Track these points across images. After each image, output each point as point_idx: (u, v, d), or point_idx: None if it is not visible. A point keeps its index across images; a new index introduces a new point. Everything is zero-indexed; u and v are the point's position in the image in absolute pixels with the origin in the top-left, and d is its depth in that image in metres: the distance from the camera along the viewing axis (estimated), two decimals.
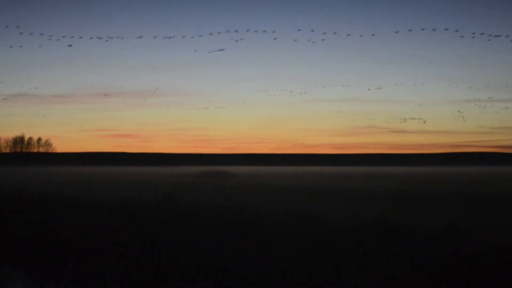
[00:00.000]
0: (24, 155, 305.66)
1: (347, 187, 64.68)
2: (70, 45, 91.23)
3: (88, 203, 42.36)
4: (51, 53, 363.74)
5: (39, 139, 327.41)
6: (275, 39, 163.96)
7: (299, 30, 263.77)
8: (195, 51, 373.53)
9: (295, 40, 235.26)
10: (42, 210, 39.44)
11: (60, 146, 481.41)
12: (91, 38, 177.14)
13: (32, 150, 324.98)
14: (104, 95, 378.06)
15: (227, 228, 28.29)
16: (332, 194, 51.96)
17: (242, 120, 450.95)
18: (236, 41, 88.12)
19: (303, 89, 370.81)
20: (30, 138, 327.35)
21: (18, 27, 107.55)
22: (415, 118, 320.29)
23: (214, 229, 28.25)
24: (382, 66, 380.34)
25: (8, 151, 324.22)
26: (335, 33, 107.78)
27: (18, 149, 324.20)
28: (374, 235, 24.39)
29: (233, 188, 62.90)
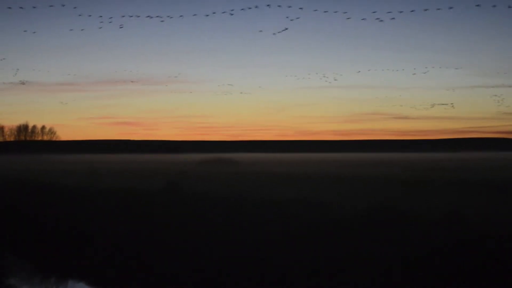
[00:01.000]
0: (28, 144, 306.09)
1: (351, 173, 64.53)
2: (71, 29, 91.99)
3: (91, 191, 42.35)
4: (54, 40, 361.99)
5: (43, 127, 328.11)
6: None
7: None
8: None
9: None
10: (45, 199, 39.46)
11: (64, 134, 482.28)
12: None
13: (36, 138, 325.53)
14: (108, 82, 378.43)
15: (230, 216, 28.24)
16: (336, 181, 51.84)
17: (245, 107, 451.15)
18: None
19: (306, 75, 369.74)
20: (34, 126, 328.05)
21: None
22: (443, 104, 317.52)
23: (217, 217, 28.21)
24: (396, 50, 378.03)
25: (12, 139, 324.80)
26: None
27: (22, 138, 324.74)
28: (378, 222, 24.32)
29: (236, 175, 62.83)
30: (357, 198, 34.81)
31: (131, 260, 23.04)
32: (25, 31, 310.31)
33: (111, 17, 65.14)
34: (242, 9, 60.00)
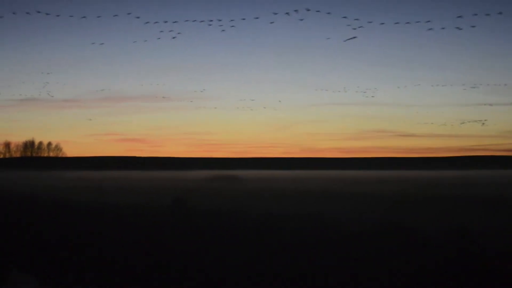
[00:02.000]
0: (34, 160, 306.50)
1: (356, 191, 64.57)
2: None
3: (98, 207, 42.50)
4: (61, 57, 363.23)
5: (49, 144, 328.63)
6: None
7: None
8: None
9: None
10: (51, 215, 39.62)
11: (70, 150, 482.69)
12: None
13: (42, 155, 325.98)
14: (113, 99, 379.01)
15: (237, 232, 28.35)
16: (341, 198, 51.90)
17: (250, 124, 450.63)
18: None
19: (311, 93, 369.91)
20: (40, 143, 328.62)
21: None
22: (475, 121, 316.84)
23: (224, 233, 28.32)
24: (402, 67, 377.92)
25: (18, 155, 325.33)
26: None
27: (29, 154, 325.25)
28: (383, 238, 24.43)
29: (242, 192, 62.92)
30: (363, 214, 34.91)
31: (138, 281, 23.15)
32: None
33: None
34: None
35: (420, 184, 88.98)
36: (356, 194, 56.87)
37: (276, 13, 56.37)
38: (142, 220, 34.36)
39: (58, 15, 63.86)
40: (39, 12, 62.75)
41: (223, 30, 62.27)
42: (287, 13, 53.81)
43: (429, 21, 56.40)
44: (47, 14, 61.27)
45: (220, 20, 57.27)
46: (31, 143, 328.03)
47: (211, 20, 57.23)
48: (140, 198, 51.08)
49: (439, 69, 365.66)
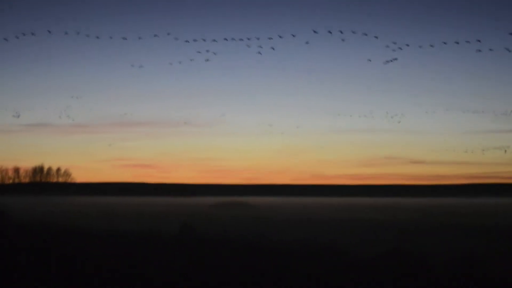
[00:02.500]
0: (43, 185, 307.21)
1: (365, 218, 64.38)
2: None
3: (107, 233, 42.47)
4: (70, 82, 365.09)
5: (58, 169, 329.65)
6: None
7: None
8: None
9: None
10: (61, 241, 39.59)
11: (79, 176, 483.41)
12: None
13: (51, 180, 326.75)
14: (123, 125, 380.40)
15: (247, 260, 28.27)
16: (352, 224, 51.77)
17: (261, 150, 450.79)
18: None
19: (322, 119, 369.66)
20: (50, 168, 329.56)
21: None
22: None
23: (234, 261, 28.23)
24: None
25: (27, 181, 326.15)
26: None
27: (38, 179, 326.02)
28: (392, 265, 24.32)
29: (252, 219, 62.82)
30: (371, 241, 34.80)
31: None
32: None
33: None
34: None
35: (430, 212, 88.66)
36: (366, 221, 56.72)
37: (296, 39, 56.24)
38: (149, 246, 34.28)
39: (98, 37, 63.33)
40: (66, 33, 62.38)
41: (258, 53, 61.36)
42: (329, 32, 53.58)
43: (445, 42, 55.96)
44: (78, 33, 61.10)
45: (258, 39, 56.51)
46: (40, 168, 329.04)
47: (249, 39, 56.38)
48: (149, 224, 51.04)
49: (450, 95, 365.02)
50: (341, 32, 54.19)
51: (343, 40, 56.80)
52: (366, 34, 56.07)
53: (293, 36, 58.27)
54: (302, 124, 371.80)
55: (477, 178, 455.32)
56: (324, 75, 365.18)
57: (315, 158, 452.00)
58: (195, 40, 58.85)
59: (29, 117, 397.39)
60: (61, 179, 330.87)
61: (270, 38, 58.97)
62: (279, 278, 23.80)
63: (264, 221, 58.65)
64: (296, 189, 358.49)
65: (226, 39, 57.85)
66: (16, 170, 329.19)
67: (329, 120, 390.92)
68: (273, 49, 59.74)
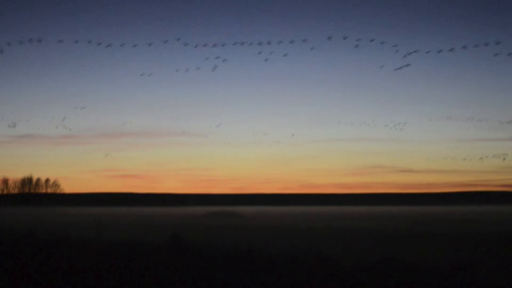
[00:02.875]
0: (32, 196, 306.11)
1: (354, 227, 64.36)
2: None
3: (95, 244, 42.24)
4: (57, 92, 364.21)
5: (47, 180, 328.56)
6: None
7: None
8: None
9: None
10: (50, 252, 39.34)
11: (68, 186, 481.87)
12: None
13: (40, 191, 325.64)
14: (112, 135, 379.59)
15: (236, 269, 28.14)
16: (341, 234, 51.72)
17: (249, 160, 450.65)
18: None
19: (310, 128, 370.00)
20: (38, 179, 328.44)
21: None
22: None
23: (223, 270, 28.10)
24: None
25: (16, 192, 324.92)
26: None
27: (27, 190, 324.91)
28: (381, 274, 24.24)
29: (240, 228, 62.70)
30: (361, 250, 34.75)
31: None
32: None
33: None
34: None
35: (419, 220, 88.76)
36: (354, 230, 56.68)
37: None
38: (139, 257, 34.10)
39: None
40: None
41: (266, 60, 61.14)
42: (345, 39, 53.31)
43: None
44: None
45: (269, 44, 55.99)
46: (29, 179, 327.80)
47: (260, 44, 55.79)
48: (138, 235, 50.82)
49: (440, 103, 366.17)
50: (329, 38, 54.16)
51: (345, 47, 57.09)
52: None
53: (291, 42, 57.94)
54: (290, 133, 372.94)
55: (470, 186, 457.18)
56: (311, 84, 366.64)
57: (304, 167, 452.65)
58: (205, 45, 58.47)
59: (22, 127, 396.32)
60: (50, 190, 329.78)
61: (268, 43, 58.88)
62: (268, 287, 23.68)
63: (253, 230, 58.55)
64: (285, 198, 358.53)
65: (236, 43, 57.39)
66: (5, 182, 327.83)
67: (317, 129, 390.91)
68: (285, 55, 59.31)
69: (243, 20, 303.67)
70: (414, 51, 54.91)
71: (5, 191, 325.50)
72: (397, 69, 57.73)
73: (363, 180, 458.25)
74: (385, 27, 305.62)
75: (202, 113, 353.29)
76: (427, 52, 59.11)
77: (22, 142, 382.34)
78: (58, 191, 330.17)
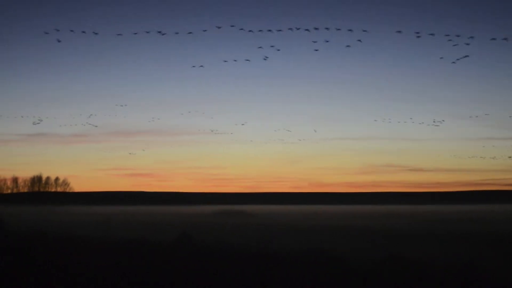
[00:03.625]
0: (42, 195, 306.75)
1: (363, 225, 64.29)
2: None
3: (105, 243, 42.36)
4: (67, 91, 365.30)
5: (57, 179, 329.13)
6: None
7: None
8: None
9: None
10: (59, 250, 39.48)
11: (78, 185, 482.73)
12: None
13: (49, 190, 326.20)
14: (121, 134, 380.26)
15: (246, 268, 28.18)
16: (351, 232, 51.68)
17: (259, 159, 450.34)
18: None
19: (320, 127, 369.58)
20: (48, 178, 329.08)
21: None
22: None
23: (233, 269, 28.15)
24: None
25: (26, 190, 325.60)
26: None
27: (36, 189, 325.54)
28: (393, 273, 24.25)
29: (250, 227, 62.71)
30: (371, 249, 34.73)
31: None
32: None
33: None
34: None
35: (429, 219, 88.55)
36: (364, 229, 56.62)
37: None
38: (147, 255, 34.16)
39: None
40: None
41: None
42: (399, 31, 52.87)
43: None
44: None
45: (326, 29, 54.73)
46: (39, 178, 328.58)
47: (308, 30, 54.64)
48: (147, 233, 50.90)
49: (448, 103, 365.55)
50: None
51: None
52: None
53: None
54: (301, 132, 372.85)
55: (476, 185, 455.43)
56: (318, 83, 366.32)
57: (314, 166, 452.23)
58: (260, 31, 57.46)
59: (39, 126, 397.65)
60: (59, 189, 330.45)
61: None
62: (278, 286, 23.72)
63: (262, 229, 58.56)
64: (295, 197, 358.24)
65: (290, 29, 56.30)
66: (15, 180, 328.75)
67: (327, 128, 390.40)
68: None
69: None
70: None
71: (15, 190, 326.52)
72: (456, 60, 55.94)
73: (373, 179, 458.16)
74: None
75: (212, 112, 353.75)
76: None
77: (31, 141, 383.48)
78: (67, 190, 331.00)
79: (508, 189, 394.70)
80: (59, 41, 58.16)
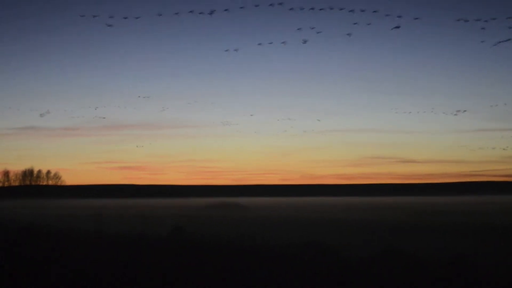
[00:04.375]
0: (33, 188, 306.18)
1: (355, 218, 64.40)
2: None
3: (96, 236, 42.29)
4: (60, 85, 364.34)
5: (48, 172, 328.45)
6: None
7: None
8: None
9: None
10: (51, 244, 39.40)
11: (69, 178, 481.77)
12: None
13: (41, 183, 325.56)
14: (112, 127, 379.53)
15: (239, 261, 28.18)
16: (342, 225, 51.76)
17: (251, 152, 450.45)
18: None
19: (311, 119, 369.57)
20: (39, 171, 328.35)
21: None
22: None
23: (226, 262, 28.15)
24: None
25: (17, 184, 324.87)
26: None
27: (28, 182, 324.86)
28: (382, 265, 24.29)
29: (242, 220, 62.75)
30: (362, 241, 34.78)
31: None
32: None
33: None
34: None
35: (420, 211, 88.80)
36: (355, 221, 56.70)
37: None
38: (140, 249, 34.13)
39: None
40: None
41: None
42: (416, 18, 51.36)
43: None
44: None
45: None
46: (30, 171, 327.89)
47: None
48: (139, 226, 50.87)
49: (438, 95, 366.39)
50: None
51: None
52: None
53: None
54: (290, 124, 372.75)
55: (468, 176, 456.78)
56: (307, 76, 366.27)
57: (305, 158, 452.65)
58: (301, 9, 54.49)
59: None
60: (51, 182, 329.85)
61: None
62: (270, 280, 23.73)
63: (254, 221, 58.60)
64: (286, 189, 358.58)
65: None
66: (6, 174, 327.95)
67: (317, 120, 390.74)
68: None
69: None
70: None
71: (6, 183, 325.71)
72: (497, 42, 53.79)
73: (364, 171, 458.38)
74: None
75: (202, 105, 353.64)
76: None
77: (23, 134, 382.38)
78: (59, 183, 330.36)
79: (500, 180, 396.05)
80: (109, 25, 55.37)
